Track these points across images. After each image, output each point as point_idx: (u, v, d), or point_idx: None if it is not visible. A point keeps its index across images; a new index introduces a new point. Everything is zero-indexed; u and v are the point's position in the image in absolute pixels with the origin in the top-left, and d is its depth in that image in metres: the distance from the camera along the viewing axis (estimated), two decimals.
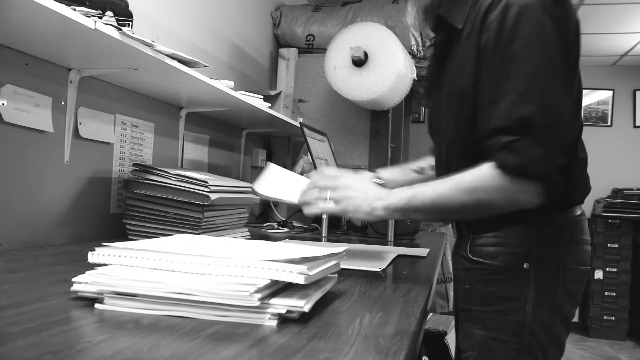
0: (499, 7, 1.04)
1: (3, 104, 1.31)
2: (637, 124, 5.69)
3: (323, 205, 1.18)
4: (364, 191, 1.16)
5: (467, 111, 1.12)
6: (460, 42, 1.15)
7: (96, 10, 1.21)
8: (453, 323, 2.66)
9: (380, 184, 1.30)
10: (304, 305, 0.72)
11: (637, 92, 5.69)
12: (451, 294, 3.92)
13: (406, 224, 2.18)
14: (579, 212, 1.20)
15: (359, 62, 2.75)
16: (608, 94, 5.72)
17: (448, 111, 1.20)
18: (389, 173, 1.54)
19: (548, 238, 1.14)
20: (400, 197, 1.12)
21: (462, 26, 1.14)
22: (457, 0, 1.17)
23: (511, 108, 1.02)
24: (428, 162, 1.55)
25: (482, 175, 1.05)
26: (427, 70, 1.41)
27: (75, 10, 1.13)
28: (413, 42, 3.01)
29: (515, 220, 1.13)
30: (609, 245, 5.12)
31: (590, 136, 6.26)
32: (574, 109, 1.12)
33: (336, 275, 0.95)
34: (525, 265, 1.13)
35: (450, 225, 1.70)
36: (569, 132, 1.06)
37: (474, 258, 1.19)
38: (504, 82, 1.03)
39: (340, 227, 2.54)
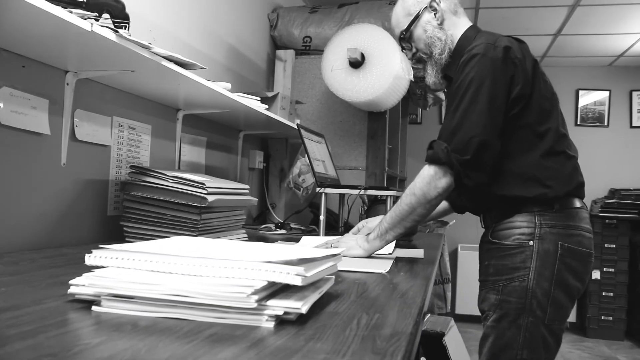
0: (463, 58, 1.52)
1: (0, 106, 1.31)
2: (633, 125, 5.70)
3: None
4: (354, 242, 1.61)
5: None
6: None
7: (93, 12, 1.21)
8: (451, 324, 2.67)
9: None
10: (301, 306, 0.72)
11: (634, 93, 5.70)
12: (449, 294, 3.93)
13: None
14: (578, 205, 1.56)
15: (356, 63, 2.76)
16: (605, 94, 5.73)
17: None
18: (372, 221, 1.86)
19: (549, 222, 1.51)
20: (373, 233, 1.58)
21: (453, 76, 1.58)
22: (454, 62, 1.63)
23: (444, 123, 1.52)
24: None
25: (415, 179, 1.51)
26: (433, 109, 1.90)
27: (71, 12, 1.13)
28: None
29: (524, 209, 1.53)
30: (606, 245, 5.12)
31: (587, 137, 6.27)
32: (535, 120, 1.52)
33: (333, 276, 0.95)
34: (530, 243, 1.50)
35: (447, 226, 1.99)
36: (477, 137, 1.43)
37: (493, 240, 1.59)
38: (449, 106, 1.52)
39: (338, 228, 2.54)
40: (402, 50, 1.80)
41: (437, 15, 1.67)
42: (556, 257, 1.49)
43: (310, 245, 1.67)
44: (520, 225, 1.53)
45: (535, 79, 1.53)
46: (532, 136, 1.52)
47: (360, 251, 1.57)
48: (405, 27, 1.70)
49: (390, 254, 1.69)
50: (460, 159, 1.44)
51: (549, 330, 1.49)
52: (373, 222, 1.76)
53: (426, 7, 1.68)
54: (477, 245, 1.75)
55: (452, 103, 1.51)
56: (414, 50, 1.73)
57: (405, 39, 1.72)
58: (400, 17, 1.73)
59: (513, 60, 1.49)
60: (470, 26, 1.69)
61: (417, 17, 1.68)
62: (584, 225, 1.56)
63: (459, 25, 1.69)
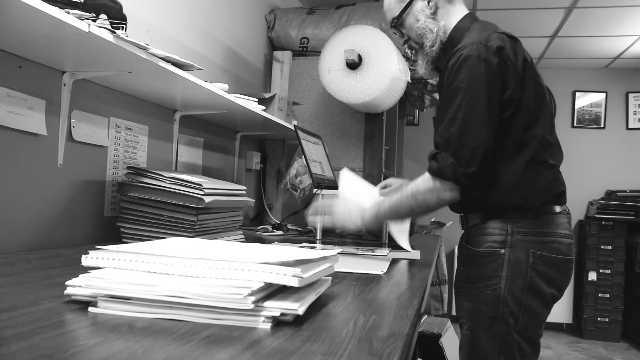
0: (454, 57, 1.47)
1: None
2: (630, 126, 5.72)
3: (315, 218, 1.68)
4: (347, 213, 1.61)
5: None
6: (441, 80, 1.57)
7: (90, 13, 1.21)
8: (448, 325, 2.67)
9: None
10: (298, 307, 0.72)
11: (630, 95, 5.71)
12: (445, 296, 3.93)
13: None
14: (557, 210, 1.52)
15: (353, 64, 2.76)
16: (601, 96, 5.75)
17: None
18: (396, 182, 1.89)
19: (521, 230, 1.48)
20: (370, 213, 1.56)
21: (444, 70, 1.53)
22: (446, 54, 1.58)
23: (442, 130, 1.45)
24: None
25: (418, 182, 1.49)
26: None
27: (68, 13, 1.13)
28: None
29: (496, 216, 1.51)
30: (602, 247, 5.13)
31: (583, 138, 6.29)
32: (523, 126, 1.48)
33: (330, 277, 0.96)
34: (502, 251, 1.48)
35: (444, 227, 2.01)
36: (481, 147, 1.41)
37: (467, 246, 1.57)
38: (444, 112, 1.47)
39: (335, 229, 2.53)
40: (393, 33, 1.75)
41: (430, 3, 1.60)
42: (528, 264, 1.46)
43: (350, 180, 1.83)
44: (492, 232, 1.50)
45: (525, 81, 1.48)
46: (515, 143, 1.48)
47: (353, 228, 1.65)
48: (397, 14, 1.65)
49: (386, 255, 1.70)
50: (466, 173, 1.40)
51: (523, 337, 1.47)
52: (395, 182, 1.81)
53: None
54: None
55: (446, 107, 1.46)
56: (405, 37, 1.68)
57: (396, 26, 1.67)
58: (392, 2, 1.67)
59: (506, 62, 1.44)
60: (466, 15, 1.62)
61: (409, 4, 1.62)
62: (561, 231, 1.51)
63: (454, 14, 1.62)
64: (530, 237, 1.47)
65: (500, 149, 1.45)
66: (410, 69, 3.01)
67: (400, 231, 1.82)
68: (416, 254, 1.76)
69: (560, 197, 1.54)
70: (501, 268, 1.47)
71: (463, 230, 1.64)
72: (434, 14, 1.61)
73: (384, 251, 1.79)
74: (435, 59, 1.63)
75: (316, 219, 1.68)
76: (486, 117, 1.42)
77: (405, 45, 1.71)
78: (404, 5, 1.63)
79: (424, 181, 1.47)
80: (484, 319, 1.49)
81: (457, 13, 1.62)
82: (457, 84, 1.44)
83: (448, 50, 1.57)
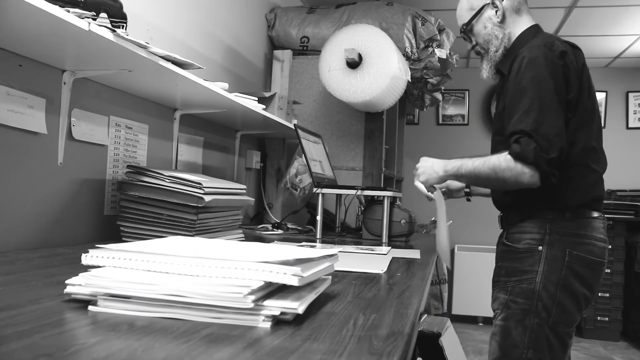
0: (519, 59, 1.58)
1: None
2: (630, 126, 5.72)
3: (417, 182, 1.78)
4: (430, 166, 1.73)
5: (501, 125, 1.66)
6: (506, 82, 1.66)
7: (90, 11, 1.21)
8: (447, 324, 2.67)
9: (467, 192, 2.02)
10: (297, 306, 0.72)
11: (630, 94, 5.71)
12: (445, 295, 3.93)
13: (400, 225, 2.18)
14: (594, 215, 1.61)
15: (353, 64, 2.76)
16: (601, 95, 5.74)
17: (496, 128, 1.74)
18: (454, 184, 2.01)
19: (559, 230, 1.58)
20: (453, 165, 1.67)
21: (507, 73, 1.64)
22: (507, 58, 1.69)
23: (517, 121, 1.52)
24: None
25: (500, 158, 1.54)
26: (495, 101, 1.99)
27: (69, 11, 1.13)
28: (407, 44, 3.01)
29: (536, 215, 1.61)
30: None
31: None
32: (577, 128, 1.57)
33: (330, 277, 0.95)
34: (539, 248, 1.58)
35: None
36: (557, 137, 1.48)
37: (507, 243, 1.68)
38: (515, 106, 1.54)
39: (335, 228, 2.54)
40: (463, 38, 1.86)
41: (498, 12, 1.73)
42: (563, 263, 1.55)
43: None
44: (532, 231, 1.60)
45: (583, 86, 1.59)
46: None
47: (435, 178, 1.71)
48: (466, 20, 1.77)
49: (386, 254, 1.70)
50: (547, 159, 1.47)
51: (553, 332, 1.55)
52: (424, 162, 1.82)
53: (488, 3, 1.74)
54: (474, 246, 1.81)
55: (517, 102, 1.54)
56: (473, 42, 1.79)
57: (465, 32, 1.79)
58: (463, 10, 1.79)
59: (569, 65, 1.55)
60: (532, 25, 1.74)
61: (479, 12, 1.74)
62: (597, 234, 1.60)
63: (520, 23, 1.74)
64: (568, 237, 1.57)
65: None
66: (410, 68, 3.01)
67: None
68: (416, 253, 1.76)
69: (598, 202, 1.63)
70: (538, 264, 1.57)
71: (501, 229, 1.75)
72: (501, 22, 1.74)
73: (384, 250, 1.79)
74: (497, 63, 1.75)
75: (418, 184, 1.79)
76: (558, 109, 1.51)
77: (473, 51, 1.82)
78: (473, 13, 1.76)
79: (506, 160, 1.52)
80: (518, 311, 1.58)
81: (523, 23, 1.76)
82: (526, 82, 1.53)
83: (510, 55, 1.69)
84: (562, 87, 1.54)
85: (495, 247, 1.80)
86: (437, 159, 1.75)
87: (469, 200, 2.08)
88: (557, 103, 1.51)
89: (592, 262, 1.58)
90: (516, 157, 1.50)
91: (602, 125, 5.72)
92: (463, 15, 1.79)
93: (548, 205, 1.59)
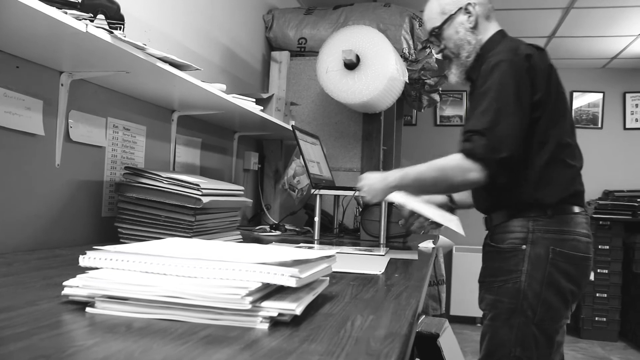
0: (485, 64, 1.61)
1: None
2: (627, 126, 5.73)
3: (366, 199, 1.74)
4: (372, 183, 1.69)
5: None
6: (475, 86, 1.68)
7: (87, 13, 1.21)
8: (446, 325, 2.67)
9: (450, 207, 2.00)
10: (295, 308, 0.73)
11: (627, 95, 5.72)
12: (443, 296, 3.94)
13: (398, 227, 2.19)
14: (576, 211, 1.62)
15: (351, 65, 2.76)
16: (598, 96, 5.75)
17: None
18: (459, 196, 2.00)
19: (541, 227, 1.58)
20: (394, 177, 1.64)
21: (476, 79, 1.66)
22: (477, 65, 1.70)
23: (474, 121, 1.55)
24: None
25: (449, 158, 1.56)
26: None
27: (66, 13, 1.13)
28: (405, 45, 3.02)
29: (518, 214, 1.61)
30: (600, 246, 5.14)
31: (580, 138, 6.26)
32: (548, 127, 1.59)
33: (328, 278, 0.96)
34: (523, 247, 1.58)
35: (441, 227, 2.05)
36: (510, 137, 1.50)
37: (492, 243, 1.68)
38: (475, 109, 1.57)
39: (333, 229, 2.54)
40: (428, 44, 1.87)
41: (471, 18, 1.72)
42: (547, 260, 1.56)
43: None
44: (515, 230, 1.61)
45: (551, 85, 1.61)
46: (538, 143, 1.58)
47: (378, 192, 1.68)
48: (438, 24, 1.75)
49: (383, 255, 1.70)
50: (497, 158, 1.49)
51: (539, 330, 1.56)
52: (370, 176, 1.77)
53: (462, 8, 1.73)
54: (472, 247, 1.83)
55: (478, 104, 1.57)
56: (442, 46, 1.78)
57: (435, 35, 1.77)
58: (434, 12, 1.77)
59: (534, 67, 1.57)
60: (498, 30, 1.75)
61: (451, 17, 1.73)
62: (580, 230, 1.61)
63: (489, 29, 1.75)
64: (551, 234, 1.58)
65: (524, 148, 1.56)
66: (408, 69, 3.01)
67: (431, 210, 1.84)
68: (414, 255, 1.76)
69: (578, 196, 1.65)
70: (522, 263, 1.58)
71: (487, 230, 1.75)
72: (473, 28, 1.73)
73: (382, 251, 1.79)
74: (469, 68, 1.75)
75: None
76: (517, 111, 1.53)
77: (440, 54, 1.82)
78: (445, 17, 1.74)
79: (455, 158, 1.55)
80: (504, 311, 1.59)
81: (491, 29, 1.76)
82: (488, 84, 1.56)
83: (480, 61, 1.70)
84: (526, 90, 1.55)
85: None
86: (379, 173, 1.72)
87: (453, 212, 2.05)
88: (517, 106, 1.53)
89: (576, 257, 1.59)
90: (467, 153, 1.52)
91: (600, 125, 5.74)
92: (434, 18, 1.77)
93: (530, 204, 1.60)
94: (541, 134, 1.58)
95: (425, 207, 1.80)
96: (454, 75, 1.78)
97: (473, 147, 1.51)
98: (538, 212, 1.59)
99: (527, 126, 1.55)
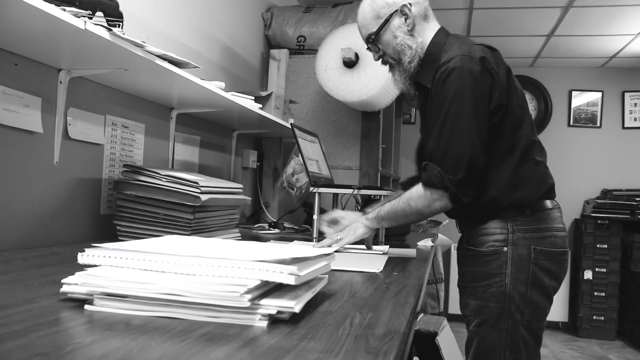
0: (440, 71, 1.51)
1: None
2: (626, 125, 5.73)
3: (339, 244, 1.67)
4: (350, 227, 1.70)
5: None
6: (430, 95, 1.59)
7: (86, 10, 1.21)
8: (444, 323, 2.67)
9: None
10: (294, 305, 0.73)
11: (626, 94, 5.73)
12: (442, 294, 3.94)
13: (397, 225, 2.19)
14: (550, 206, 1.60)
15: (350, 63, 2.76)
16: (597, 95, 5.76)
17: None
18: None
19: (521, 227, 1.55)
20: (372, 215, 1.66)
21: (430, 85, 1.57)
22: (425, 69, 1.63)
23: (432, 142, 1.52)
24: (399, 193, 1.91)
25: (412, 190, 1.56)
26: (418, 113, 1.92)
27: (65, 10, 1.13)
28: None
29: (496, 216, 1.56)
30: (598, 245, 5.14)
31: (579, 137, 6.29)
32: (513, 128, 1.55)
33: (327, 276, 0.96)
34: (504, 249, 1.54)
35: (440, 226, 2.02)
36: (467, 155, 1.46)
37: (469, 247, 1.62)
38: (435, 122, 1.52)
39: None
40: (366, 49, 1.74)
41: (407, 20, 1.62)
42: (530, 260, 1.53)
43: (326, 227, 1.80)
44: (494, 232, 1.56)
45: (509, 87, 1.54)
46: (506, 145, 1.54)
47: (364, 230, 1.67)
48: (374, 30, 1.64)
49: (385, 253, 1.70)
50: (453, 180, 1.46)
51: (527, 330, 1.54)
52: (350, 216, 1.79)
53: (397, 10, 1.61)
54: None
55: (435, 118, 1.52)
56: (380, 52, 1.68)
57: (373, 42, 1.66)
58: (368, 18, 1.66)
59: (489, 71, 1.49)
60: (439, 29, 1.66)
61: (387, 21, 1.62)
62: (556, 225, 1.59)
63: (429, 29, 1.65)
64: (530, 233, 1.55)
65: (491, 153, 1.52)
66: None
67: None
68: (412, 252, 1.76)
69: (551, 191, 1.62)
70: (505, 265, 1.54)
71: (460, 233, 1.70)
72: (411, 31, 1.63)
73: (381, 249, 1.79)
74: (413, 74, 1.65)
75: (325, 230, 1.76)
76: (472, 126, 1.48)
77: (381, 61, 1.71)
78: (381, 21, 1.63)
79: (417, 190, 1.55)
80: (491, 315, 1.55)
81: (431, 29, 1.66)
82: (443, 96, 1.49)
83: (427, 65, 1.62)
84: (483, 96, 1.49)
85: None
86: (353, 218, 1.73)
87: None
88: (473, 118, 1.47)
89: (555, 253, 1.57)
90: (425, 183, 1.52)
91: (599, 124, 5.75)
92: (368, 24, 1.65)
93: (507, 205, 1.55)
94: (508, 137, 1.54)
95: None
96: (399, 82, 1.69)
97: (428, 177, 1.50)
98: (516, 212, 1.55)
99: (486, 135, 1.49)
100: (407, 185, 1.87)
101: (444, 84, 1.50)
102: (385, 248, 1.84)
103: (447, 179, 1.46)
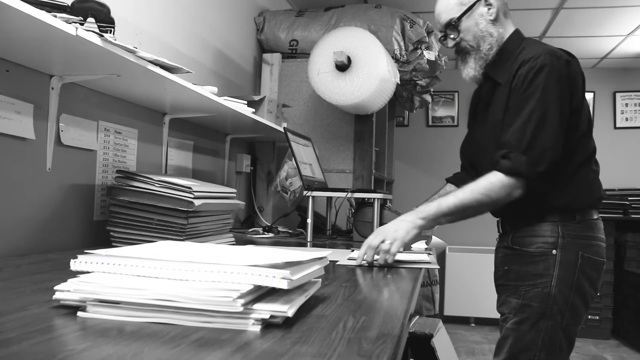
0: (527, 65, 1.56)
1: None
2: (617, 126, 5.76)
3: (387, 255, 1.46)
4: (395, 229, 1.50)
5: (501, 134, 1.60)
6: (499, 90, 1.66)
7: (77, 16, 1.21)
8: (439, 325, 2.68)
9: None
10: (287, 310, 0.73)
11: (617, 94, 5.76)
12: (437, 296, 3.94)
13: None
14: (595, 216, 1.65)
15: (342, 66, 2.76)
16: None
17: (492, 137, 1.65)
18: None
19: (571, 232, 1.58)
20: (427, 212, 1.56)
21: (512, 78, 1.60)
22: (498, 62, 1.69)
23: (514, 131, 1.54)
24: (448, 189, 1.95)
25: (490, 179, 1.54)
26: (469, 108, 1.94)
27: (56, 16, 1.13)
28: (396, 47, 3.03)
29: (545, 218, 1.60)
30: None
31: None
32: (581, 133, 1.60)
33: (320, 279, 0.96)
34: (553, 252, 1.58)
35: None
36: (551, 150, 1.51)
37: (514, 247, 1.65)
38: (518, 113, 1.55)
39: (326, 231, 2.54)
40: (440, 38, 1.79)
41: (491, 10, 1.69)
42: (577, 265, 1.57)
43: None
44: (544, 234, 1.60)
45: (583, 95, 1.63)
46: (570, 148, 1.58)
47: (415, 231, 1.53)
48: (457, 15, 1.69)
49: (427, 248, 1.74)
50: (536, 172, 1.51)
51: (564, 334, 1.58)
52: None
53: (481, 0, 1.69)
54: (465, 247, 1.81)
55: (519, 110, 1.55)
56: (458, 39, 1.72)
57: (453, 27, 1.70)
58: (451, 3, 1.71)
59: (573, 75, 1.58)
60: (517, 29, 1.75)
61: (470, 7, 1.68)
62: (601, 235, 1.65)
63: (508, 26, 1.74)
64: (580, 240, 1.59)
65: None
66: (399, 70, 3.02)
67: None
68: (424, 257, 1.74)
69: (599, 202, 1.67)
70: (553, 267, 1.57)
71: (501, 233, 1.75)
72: (494, 21, 1.70)
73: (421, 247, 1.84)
74: (489, 63, 1.70)
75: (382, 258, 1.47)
76: (557, 123, 1.53)
77: (455, 48, 1.74)
78: (465, 8, 1.69)
79: (498, 179, 1.53)
80: (532, 315, 1.58)
81: (510, 27, 1.75)
82: (532, 90, 1.54)
83: (501, 59, 1.69)
84: (567, 97, 1.56)
85: (487, 247, 1.81)
86: (395, 220, 1.57)
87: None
88: (559, 114, 1.53)
89: (598, 262, 1.62)
90: (508, 172, 1.52)
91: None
92: (451, 9, 1.70)
93: (559, 208, 1.60)
94: (575, 140, 1.59)
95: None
96: (472, 70, 1.72)
97: (514, 165, 1.51)
98: (567, 216, 1.59)
99: (565, 133, 1.55)
100: (455, 180, 1.95)
101: (535, 77, 1.54)
102: (423, 246, 1.87)
103: (532, 170, 1.51)
